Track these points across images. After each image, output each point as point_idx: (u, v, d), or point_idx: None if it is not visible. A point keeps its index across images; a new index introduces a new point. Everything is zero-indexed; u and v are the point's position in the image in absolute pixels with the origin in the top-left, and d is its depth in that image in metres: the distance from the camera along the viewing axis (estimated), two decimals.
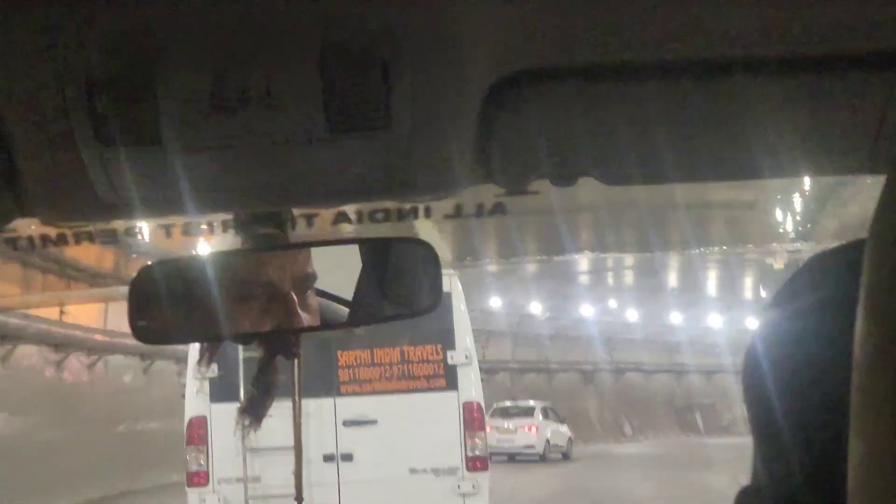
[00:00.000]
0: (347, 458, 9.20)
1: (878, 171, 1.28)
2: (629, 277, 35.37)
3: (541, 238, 17.53)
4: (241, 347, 9.03)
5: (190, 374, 9.28)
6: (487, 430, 10.00)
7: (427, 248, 1.56)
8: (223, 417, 9.11)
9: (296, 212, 1.51)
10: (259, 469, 9.09)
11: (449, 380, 9.31)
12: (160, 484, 19.17)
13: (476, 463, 9.27)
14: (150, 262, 1.51)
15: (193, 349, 9.22)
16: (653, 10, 1.08)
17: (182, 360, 15.71)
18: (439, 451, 9.24)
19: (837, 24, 1.11)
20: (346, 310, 1.60)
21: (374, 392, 9.29)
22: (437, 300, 1.56)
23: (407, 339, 9.32)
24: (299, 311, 1.50)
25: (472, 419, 9.29)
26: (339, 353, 9.29)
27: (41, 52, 1.04)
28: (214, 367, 9.17)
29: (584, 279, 33.24)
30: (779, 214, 17.59)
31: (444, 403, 9.30)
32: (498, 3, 1.06)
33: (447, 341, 9.31)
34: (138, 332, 1.47)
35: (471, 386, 9.36)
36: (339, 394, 9.27)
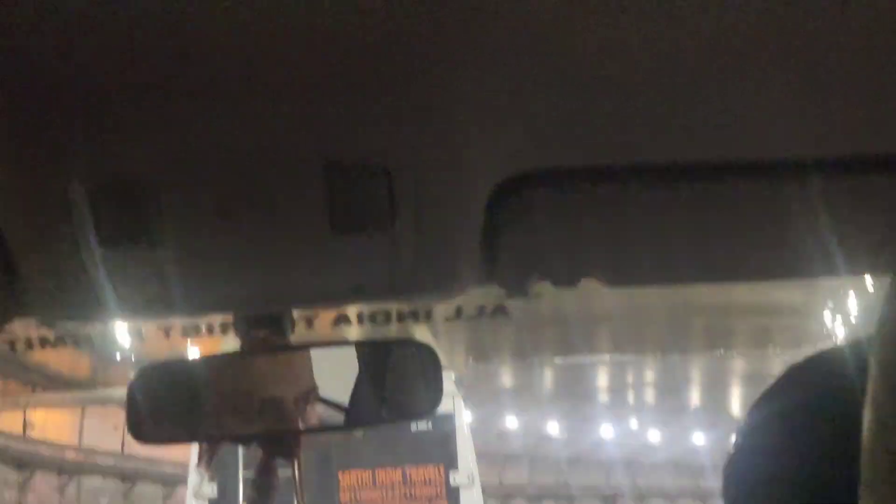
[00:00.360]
0: None
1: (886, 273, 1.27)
2: (650, 395, 35.03)
3: (555, 340, 17.38)
4: (241, 467, 8.96)
5: (189, 494, 9.18)
6: None
7: (427, 350, 1.57)
8: None
9: (296, 314, 1.52)
10: None
11: (451, 501, 9.18)
12: None
13: None
14: (149, 364, 1.53)
15: (192, 471, 9.16)
16: (662, 112, 1.08)
17: (169, 482, 15.03)
18: None
19: (856, 126, 1.11)
20: (341, 413, 1.60)
21: None
22: (437, 403, 1.56)
23: (409, 459, 9.23)
24: (301, 419, 1.52)
25: None
26: (340, 473, 9.20)
27: (46, 152, 1.06)
28: (214, 487, 9.09)
29: (603, 397, 32.94)
30: (827, 318, 16.88)
31: None
32: (503, 107, 1.06)
33: (450, 461, 9.22)
34: (135, 431, 1.48)
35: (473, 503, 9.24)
36: None
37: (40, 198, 1.09)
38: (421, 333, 10.59)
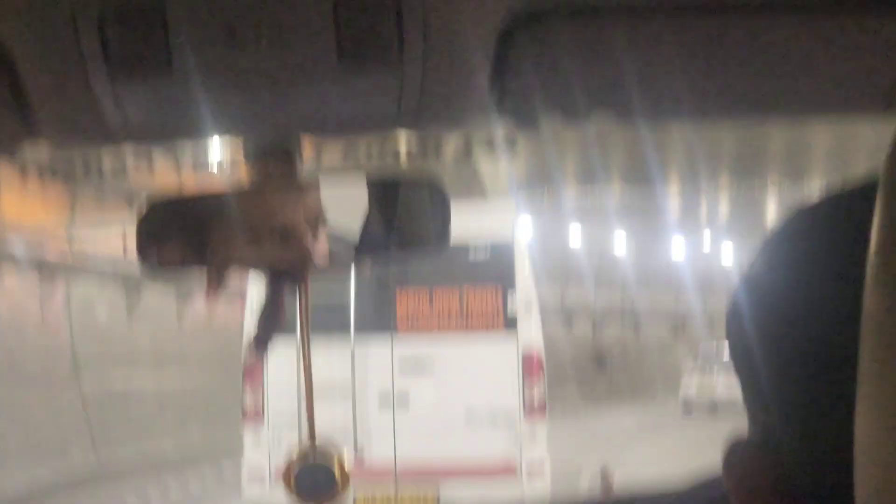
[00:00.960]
0: (403, 399, 9.22)
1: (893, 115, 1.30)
2: (723, 217, 34.72)
3: (625, 162, 17.24)
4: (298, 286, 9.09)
5: (248, 312, 9.35)
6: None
7: (437, 186, 1.56)
8: (280, 354, 9.17)
9: (305, 150, 1.52)
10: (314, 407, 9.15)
11: (508, 324, 9.27)
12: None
13: (534, 410, 9.24)
14: (159, 194, 1.53)
15: (252, 288, 9.30)
16: None
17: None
18: (497, 396, 9.22)
19: None
20: (350, 248, 1.59)
21: (431, 333, 9.29)
22: (447, 240, 1.54)
23: (467, 281, 9.29)
24: (311, 249, 1.51)
25: (532, 365, 9.26)
26: (397, 291, 9.29)
27: None
28: None
29: (673, 217, 32.67)
30: None
31: (502, 348, 9.27)
32: None
33: (508, 285, 9.27)
34: (144, 259, 1.50)
35: (531, 331, 9.32)
36: (396, 333, 9.28)
37: (49, 19, 1.11)
38: (483, 160, 10.53)
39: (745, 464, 0.80)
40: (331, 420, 9.11)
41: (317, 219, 1.52)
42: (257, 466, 9.13)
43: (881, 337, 0.65)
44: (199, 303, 18.87)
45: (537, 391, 9.27)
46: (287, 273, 1.58)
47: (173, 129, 1.28)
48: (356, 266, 1.80)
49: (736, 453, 0.81)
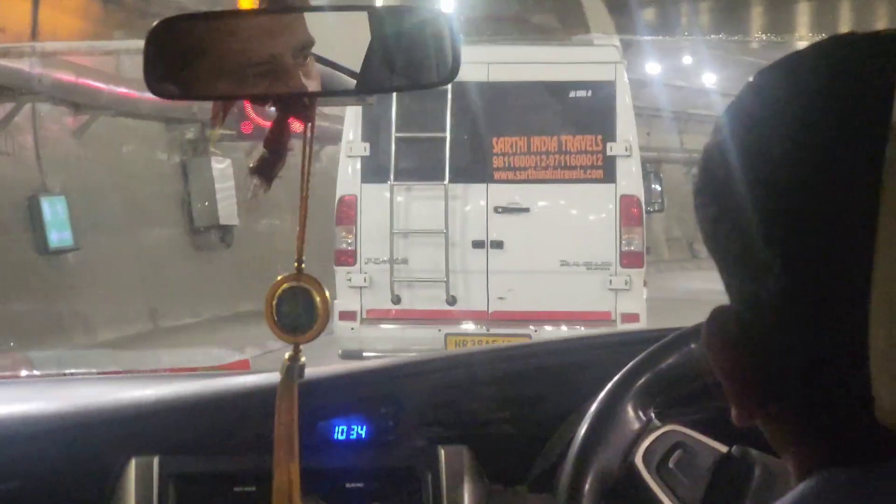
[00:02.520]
0: (497, 245, 9.26)
1: None
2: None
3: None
4: (394, 128, 9.09)
5: (342, 154, 9.39)
6: None
7: (444, 19, 1.55)
8: (374, 198, 9.25)
9: None
10: (406, 251, 9.25)
11: (607, 172, 9.20)
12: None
13: (631, 259, 9.23)
14: (169, 17, 1.53)
15: (347, 127, 9.32)
16: None
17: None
18: (593, 244, 9.21)
19: None
20: (352, 79, 1.60)
21: (528, 180, 9.26)
22: (452, 73, 1.53)
23: (565, 128, 9.21)
24: (302, 78, 1.53)
25: (630, 213, 9.21)
26: (494, 139, 9.24)
27: None
28: (367, 146, 9.26)
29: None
30: None
31: (600, 196, 9.22)
32: None
33: (608, 132, 9.16)
34: (152, 85, 1.50)
35: (630, 179, 9.24)
36: (493, 180, 9.26)
37: None
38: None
39: (727, 331, 0.80)
40: (426, 264, 9.21)
41: (303, 44, 1.53)
42: (349, 307, 9.28)
43: None
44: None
45: (636, 239, 9.24)
46: (294, 106, 1.59)
47: None
48: (357, 96, 1.81)
49: (718, 320, 0.81)
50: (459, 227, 9.24)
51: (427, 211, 9.21)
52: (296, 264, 1.58)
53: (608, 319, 9.18)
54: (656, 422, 1.69)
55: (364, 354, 8.91)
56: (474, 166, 9.25)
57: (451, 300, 9.25)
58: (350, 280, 9.29)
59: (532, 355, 2.12)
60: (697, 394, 1.69)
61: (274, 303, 1.58)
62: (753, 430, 0.82)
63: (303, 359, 1.60)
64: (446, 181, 9.14)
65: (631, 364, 1.72)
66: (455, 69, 1.53)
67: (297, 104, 1.59)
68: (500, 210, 9.25)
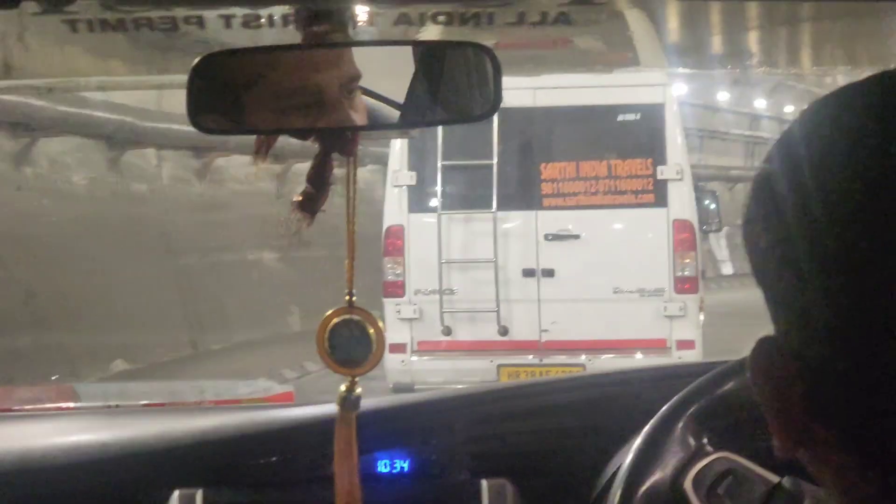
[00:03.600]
0: (548, 274, 9.24)
1: None
2: None
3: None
4: (440, 155, 9.12)
5: (389, 183, 9.42)
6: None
7: (487, 53, 1.57)
8: (421, 227, 9.28)
9: (356, 11, 1.57)
10: (455, 281, 9.25)
11: (659, 196, 9.16)
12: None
13: (685, 284, 9.18)
14: (211, 52, 1.55)
15: (393, 156, 9.36)
16: None
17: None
18: (646, 270, 9.17)
19: None
20: (396, 112, 1.63)
21: (578, 206, 9.25)
22: (494, 106, 1.57)
23: (615, 152, 9.20)
24: (349, 111, 1.55)
25: (683, 237, 9.17)
26: (542, 165, 9.25)
27: None
28: (413, 175, 9.30)
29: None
30: None
31: (652, 220, 9.19)
32: None
33: (658, 155, 9.14)
34: (194, 120, 1.53)
35: (682, 202, 9.20)
36: (542, 207, 9.26)
37: None
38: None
39: (771, 361, 0.80)
40: (476, 294, 9.20)
41: (350, 82, 1.55)
42: (399, 340, 9.29)
43: None
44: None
45: (690, 263, 9.19)
46: (336, 140, 1.60)
47: None
48: (401, 130, 1.84)
49: (762, 350, 0.81)
50: (509, 256, 9.24)
51: (476, 240, 9.21)
52: (346, 296, 1.60)
53: (663, 347, 9.13)
54: (708, 448, 1.68)
55: (416, 388, 8.91)
56: (522, 193, 9.25)
57: (503, 330, 9.24)
58: (399, 312, 9.30)
59: (579, 387, 2.12)
60: (751, 422, 1.68)
61: (326, 336, 1.59)
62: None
63: (358, 390, 1.61)
64: (494, 209, 9.14)
65: (687, 389, 1.72)
66: (497, 102, 1.56)
67: (340, 138, 1.60)
68: (550, 237, 9.24)
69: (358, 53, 1.58)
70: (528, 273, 9.25)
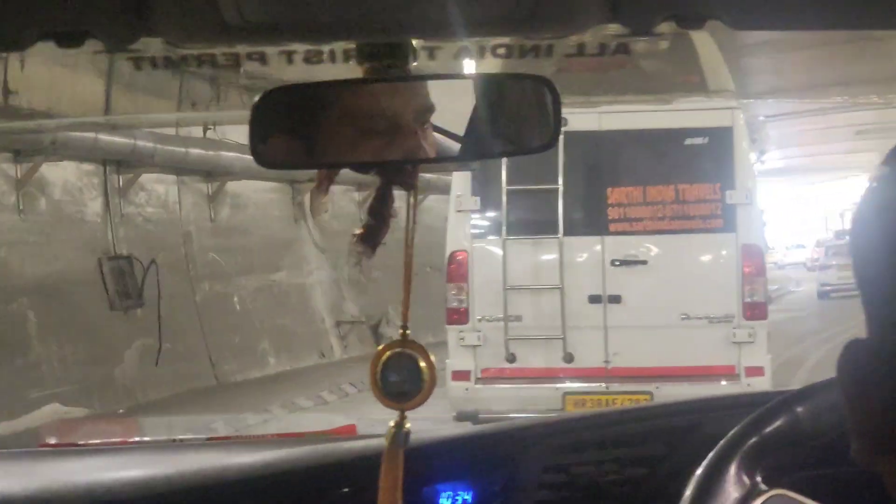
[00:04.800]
0: (615, 300, 9.21)
1: None
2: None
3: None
4: (504, 179, 9.13)
5: (452, 209, 9.45)
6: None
7: (547, 85, 1.59)
8: (485, 253, 9.29)
9: (417, 45, 1.57)
10: (520, 308, 9.24)
11: (727, 220, 9.12)
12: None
13: (755, 310, 9.12)
14: (273, 87, 1.58)
15: (456, 181, 9.38)
16: None
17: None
18: (714, 296, 9.12)
19: None
20: (457, 144, 1.66)
21: (645, 231, 9.22)
22: (554, 139, 1.59)
23: (682, 176, 9.16)
24: (421, 142, 1.57)
25: (752, 262, 9.11)
26: (609, 189, 9.23)
27: None
28: (476, 200, 9.32)
29: None
30: None
31: (721, 245, 9.14)
32: None
33: (726, 180, 9.09)
34: (256, 154, 1.55)
35: (751, 227, 9.15)
36: (608, 232, 9.24)
37: None
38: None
39: (860, 364, 0.81)
40: (541, 321, 9.19)
41: (425, 110, 1.57)
42: (463, 367, 9.29)
43: None
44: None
45: (759, 289, 9.13)
46: (397, 173, 1.62)
47: (289, 27, 1.30)
48: (461, 162, 1.86)
49: (851, 352, 0.81)
50: (575, 282, 9.22)
51: (541, 265, 9.21)
52: (401, 330, 1.62)
53: (732, 374, 9.07)
54: (763, 486, 1.68)
55: (480, 416, 8.91)
56: (589, 218, 9.24)
57: (568, 357, 9.22)
58: (463, 339, 9.31)
59: (643, 418, 2.13)
60: (805, 458, 1.68)
61: (379, 369, 1.60)
62: (863, 495, 0.83)
63: (408, 425, 1.62)
64: (560, 234, 9.14)
65: (737, 427, 1.73)
66: (556, 134, 1.58)
67: (401, 170, 1.62)
68: (617, 263, 9.22)
69: (421, 88, 1.60)
70: (595, 299, 9.23)
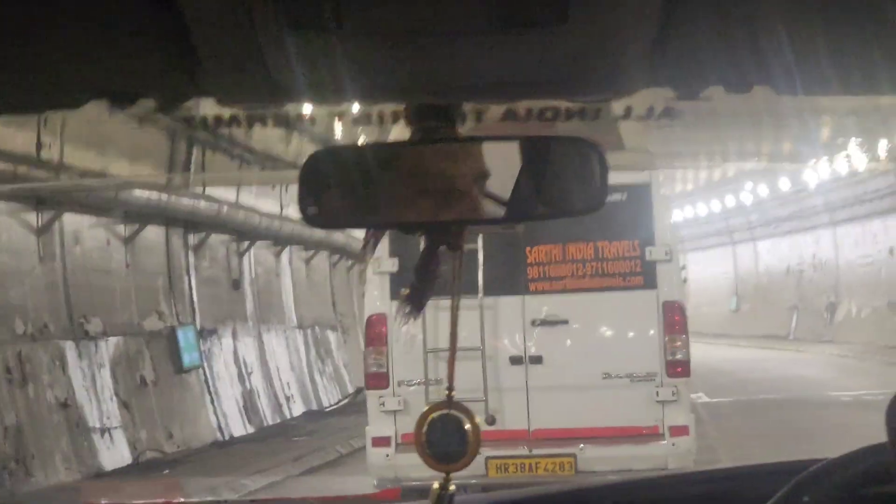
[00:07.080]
0: (536, 360, 9.26)
1: None
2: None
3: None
4: (422, 241, 9.14)
5: (370, 270, 9.44)
6: None
7: (592, 147, 1.62)
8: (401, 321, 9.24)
9: (465, 107, 1.60)
10: (440, 371, 9.22)
11: (647, 278, 9.22)
12: None
13: (677, 368, 9.21)
14: (321, 149, 1.59)
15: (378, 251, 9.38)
16: None
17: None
18: (636, 354, 9.20)
19: None
20: (502, 207, 1.67)
21: (565, 290, 9.29)
22: (601, 200, 1.62)
23: (602, 234, 9.25)
24: (464, 212, 1.60)
25: (673, 320, 9.21)
26: (528, 249, 9.30)
27: None
28: (395, 261, 9.32)
29: None
30: None
31: (641, 303, 9.23)
32: None
33: (646, 236, 9.21)
34: (305, 215, 1.58)
35: (672, 284, 9.27)
36: (528, 292, 9.30)
37: None
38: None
39: None
40: (463, 384, 9.15)
41: (473, 183, 1.59)
42: (383, 433, 9.24)
43: None
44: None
45: (681, 347, 9.22)
46: (443, 234, 1.63)
47: (338, 88, 1.33)
48: (507, 224, 1.89)
49: None
50: (496, 343, 9.25)
51: (461, 327, 9.18)
52: (446, 391, 1.62)
53: (656, 433, 9.13)
54: None
55: (402, 484, 8.84)
56: (508, 278, 9.28)
57: (490, 420, 9.22)
58: (383, 404, 9.27)
59: (669, 486, 2.14)
60: None
61: (424, 430, 1.60)
62: None
63: (452, 487, 1.62)
64: (480, 295, 9.16)
65: (773, 499, 1.74)
66: (603, 196, 1.62)
67: (448, 232, 1.63)
68: (537, 323, 9.27)
69: (469, 150, 1.63)
70: (516, 360, 9.26)
